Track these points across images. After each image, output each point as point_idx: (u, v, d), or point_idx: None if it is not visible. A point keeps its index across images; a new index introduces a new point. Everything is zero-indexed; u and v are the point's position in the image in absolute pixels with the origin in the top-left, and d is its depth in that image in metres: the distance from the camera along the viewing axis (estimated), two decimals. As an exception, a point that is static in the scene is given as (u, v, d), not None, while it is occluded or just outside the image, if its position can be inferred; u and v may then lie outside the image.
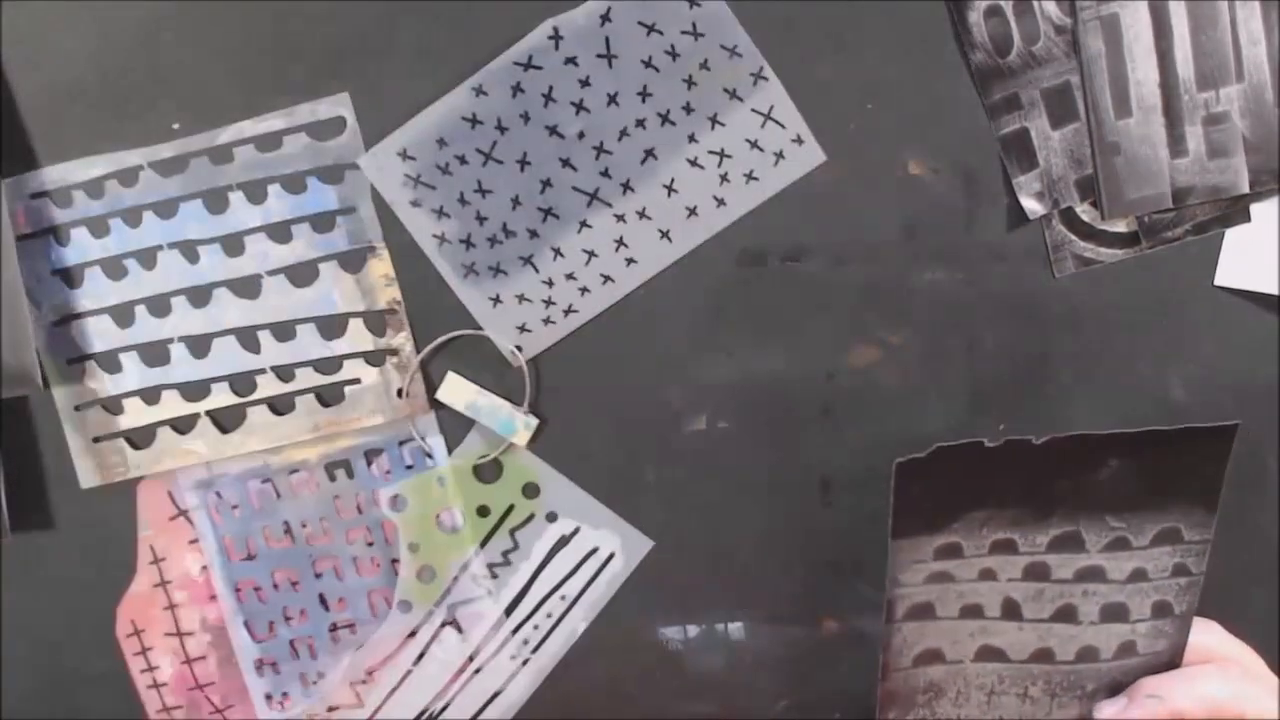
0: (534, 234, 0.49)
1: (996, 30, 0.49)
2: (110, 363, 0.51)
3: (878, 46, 0.49)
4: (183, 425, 0.51)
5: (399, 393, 0.51)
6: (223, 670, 0.53)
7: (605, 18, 0.47)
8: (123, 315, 0.51)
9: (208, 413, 0.51)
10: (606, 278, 0.50)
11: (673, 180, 0.49)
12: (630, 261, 0.49)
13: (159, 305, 0.51)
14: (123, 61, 0.50)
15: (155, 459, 0.52)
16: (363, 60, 0.49)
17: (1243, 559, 0.52)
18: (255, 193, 0.50)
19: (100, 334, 0.51)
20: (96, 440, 0.51)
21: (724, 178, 0.49)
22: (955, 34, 0.49)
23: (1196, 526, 0.47)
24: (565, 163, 0.48)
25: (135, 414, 0.51)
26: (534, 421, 0.51)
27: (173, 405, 0.51)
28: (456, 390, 0.50)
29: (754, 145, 0.48)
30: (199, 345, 0.51)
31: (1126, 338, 0.50)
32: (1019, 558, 0.48)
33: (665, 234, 0.49)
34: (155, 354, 0.51)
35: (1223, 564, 0.51)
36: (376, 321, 0.50)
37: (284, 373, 0.51)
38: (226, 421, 0.51)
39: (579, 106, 0.48)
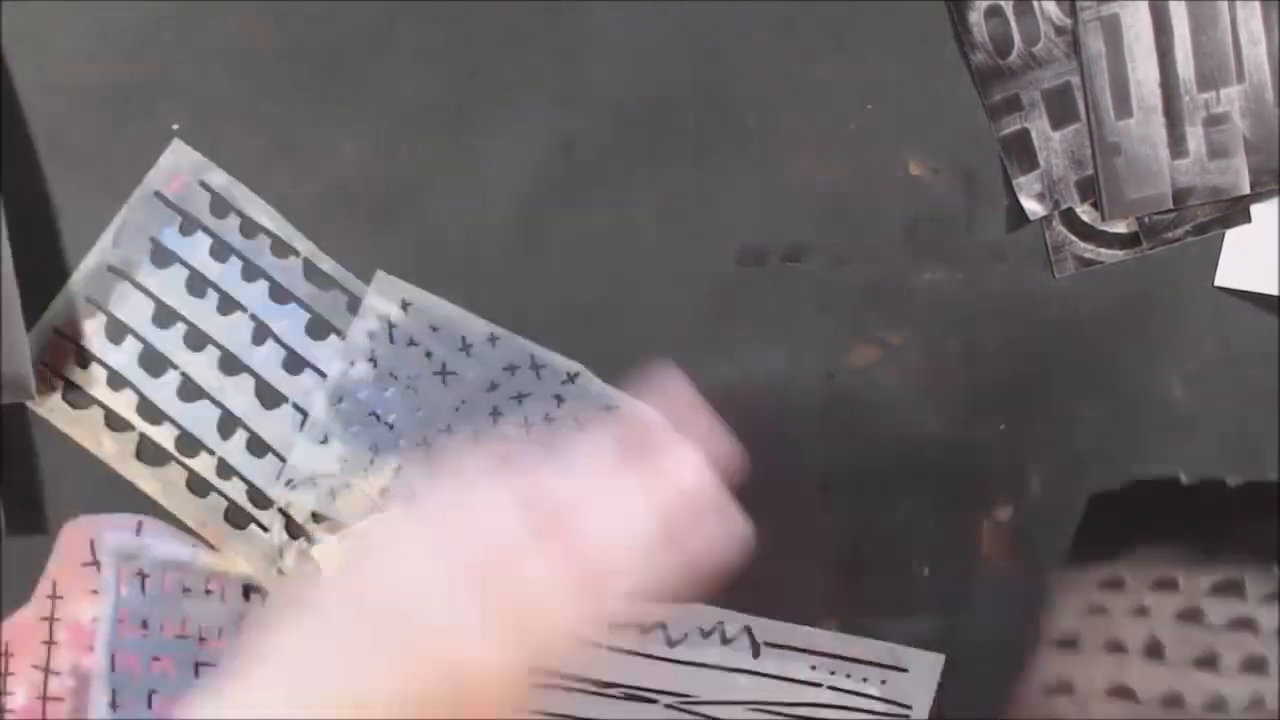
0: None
1: (997, 31, 0.49)
2: (117, 333, 0.51)
3: (878, 46, 0.49)
4: (114, 423, 0.51)
5: (279, 570, 0.51)
6: (74, 716, 0.53)
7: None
8: (165, 317, 0.51)
9: (142, 436, 0.51)
10: None
11: None
12: None
13: (198, 340, 0.51)
14: (123, 61, 0.50)
15: (68, 421, 0.51)
16: (363, 60, 0.49)
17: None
18: (353, 352, 0.50)
19: (134, 311, 0.51)
20: (43, 365, 0.50)
21: None
22: (955, 34, 0.49)
23: None
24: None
25: (94, 382, 0.51)
26: None
27: (126, 406, 0.51)
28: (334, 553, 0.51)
29: None
30: (191, 392, 0.51)
31: (1126, 338, 0.50)
32: (1177, 597, 0.47)
33: None
34: (156, 364, 0.51)
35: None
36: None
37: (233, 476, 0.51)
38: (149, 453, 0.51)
39: None
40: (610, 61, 0.49)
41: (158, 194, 0.50)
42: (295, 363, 0.51)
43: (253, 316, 0.51)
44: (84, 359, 0.51)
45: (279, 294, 0.51)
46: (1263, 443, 0.51)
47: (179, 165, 0.50)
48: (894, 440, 0.51)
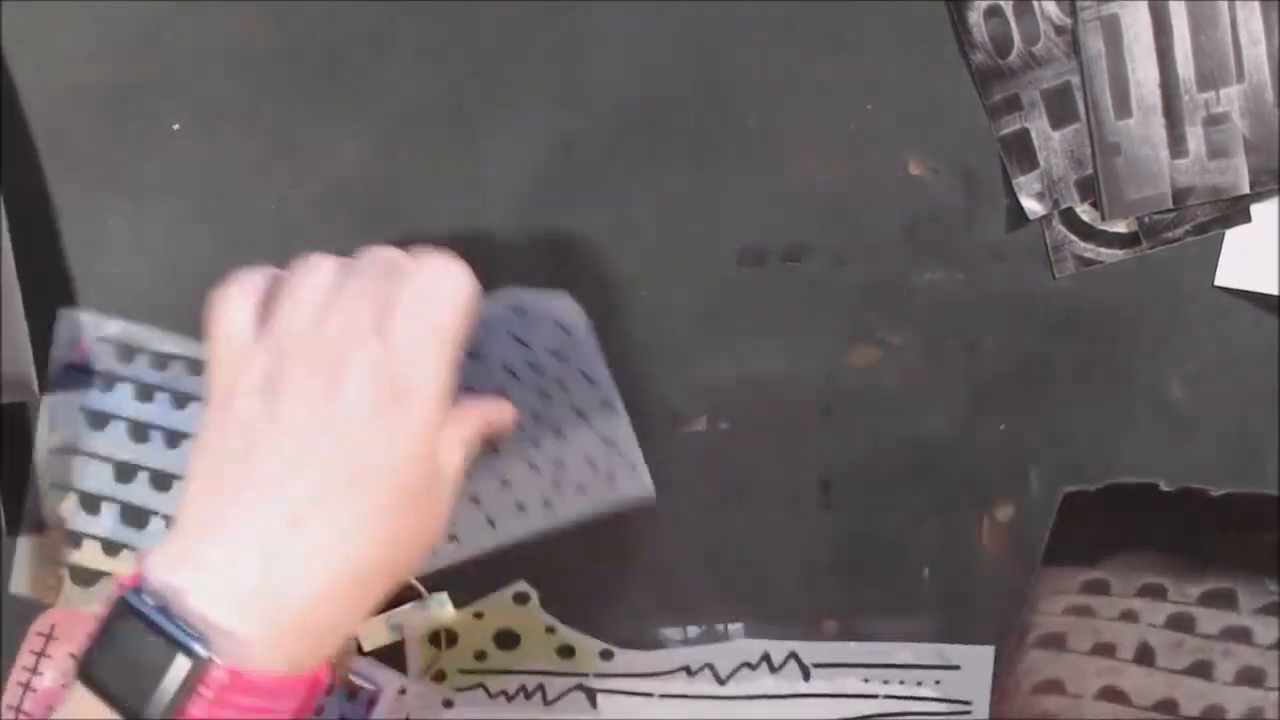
0: None
1: (996, 30, 0.49)
2: (91, 505, 0.52)
3: (878, 46, 0.49)
4: None
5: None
6: None
7: (482, 325, 0.49)
8: (125, 473, 0.52)
9: None
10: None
11: (509, 478, 0.51)
12: (451, 538, 0.51)
13: (162, 481, 0.52)
14: (123, 61, 0.50)
15: (88, 600, 0.53)
16: (363, 60, 0.49)
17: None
18: None
19: (96, 478, 0.52)
20: (43, 559, 0.53)
21: (556, 484, 0.51)
22: (955, 34, 0.49)
23: None
24: None
25: (90, 555, 0.52)
26: (445, 600, 0.52)
27: (126, 565, 0.52)
28: (375, 630, 0.51)
29: (590, 463, 0.50)
30: None
31: (1126, 338, 0.50)
32: (1166, 605, 0.48)
33: (490, 521, 0.51)
34: (136, 518, 0.52)
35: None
36: None
37: None
38: None
39: None
40: (610, 61, 0.49)
41: (68, 367, 0.51)
42: None
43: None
44: (75, 539, 0.52)
45: None
46: (1263, 443, 0.51)
47: (74, 332, 0.51)
48: (894, 440, 0.51)
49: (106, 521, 0.52)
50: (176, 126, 0.50)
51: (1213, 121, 0.48)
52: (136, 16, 0.49)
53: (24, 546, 0.52)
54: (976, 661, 0.51)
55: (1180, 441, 0.51)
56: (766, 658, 0.52)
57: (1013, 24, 0.49)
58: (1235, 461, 0.51)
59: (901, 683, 0.52)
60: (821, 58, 0.49)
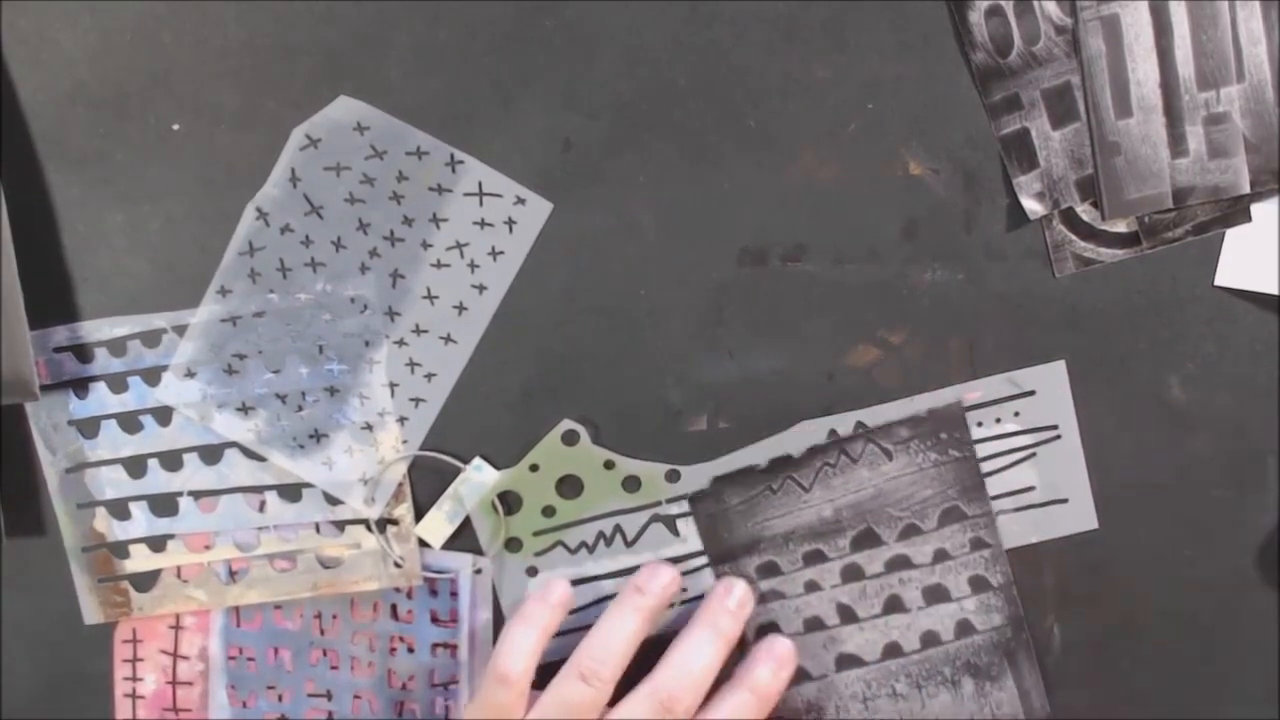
0: (332, 390, 0.51)
1: (997, 30, 0.49)
2: (120, 510, 0.52)
3: (878, 46, 0.49)
4: (186, 574, 0.53)
5: (395, 563, 0.52)
6: (203, 701, 0.54)
7: (294, 179, 0.49)
8: (135, 467, 0.52)
9: (210, 564, 0.53)
10: (417, 400, 0.51)
11: (429, 289, 0.50)
12: (430, 376, 0.51)
13: (171, 460, 0.52)
14: (123, 61, 0.50)
15: (158, 602, 0.53)
16: (362, 60, 0.49)
17: (1242, 559, 0.52)
18: (272, 360, 0.51)
19: (112, 483, 0.52)
20: (101, 580, 0.53)
21: (472, 265, 0.50)
22: (955, 34, 0.49)
23: (973, 501, 0.49)
24: (328, 319, 0.50)
25: (141, 559, 0.53)
26: (482, 464, 0.51)
27: (178, 554, 0.53)
28: (434, 524, 0.52)
29: (483, 224, 0.50)
30: (209, 501, 0.52)
31: (1127, 338, 0.50)
32: (832, 563, 0.50)
33: (447, 338, 0.50)
34: (164, 505, 0.52)
35: (1222, 564, 0.52)
36: (380, 490, 0.52)
37: (287, 532, 0.52)
38: (228, 573, 0.53)
39: (313, 264, 0.50)
40: (610, 61, 0.49)
41: (41, 388, 0.51)
42: (243, 407, 0.51)
43: (186, 406, 0.52)
44: (122, 550, 0.53)
45: (182, 372, 0.51)
46: (1263, 443, 0.51)
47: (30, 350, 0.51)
48: (894, 440, 0.51)
49: (140, 520, 0.52)
50: (176, 126, 0.50)
51: (1213, 121, 0.48)
52: (136, 16, 0.49)
53: (80, 579, 0.53)
54: (1050, 380, 0.50)
55: (1180, 441, 0.51)
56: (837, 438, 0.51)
57: (1013, 24, 0.49)
58: (1235, 461, 0.51)
59: (979, 425, 0.50)
60: (821, 58, 0.49)
